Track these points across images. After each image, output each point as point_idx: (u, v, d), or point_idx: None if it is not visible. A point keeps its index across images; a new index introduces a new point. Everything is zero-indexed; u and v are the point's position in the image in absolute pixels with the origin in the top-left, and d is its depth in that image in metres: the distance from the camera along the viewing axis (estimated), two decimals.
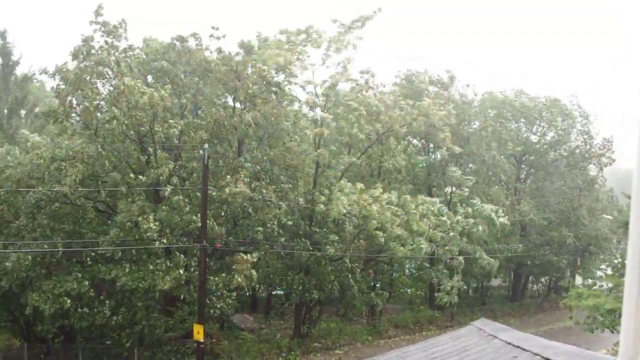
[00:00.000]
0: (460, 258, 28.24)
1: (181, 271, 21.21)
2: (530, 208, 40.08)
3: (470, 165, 40.27)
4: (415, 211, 25.18)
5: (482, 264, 29.49)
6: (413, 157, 35.27)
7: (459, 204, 30.39)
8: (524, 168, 45.33)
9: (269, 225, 24.25)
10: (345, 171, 29.65)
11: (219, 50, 25.47)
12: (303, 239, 27.18)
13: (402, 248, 25.27)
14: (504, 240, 38.26)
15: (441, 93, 34.83)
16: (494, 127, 38.63)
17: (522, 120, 42.50)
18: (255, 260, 22.59)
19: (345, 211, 24.43)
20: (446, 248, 27.48)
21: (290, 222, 27.09)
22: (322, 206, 24.69)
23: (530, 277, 47.60)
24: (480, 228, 27.55)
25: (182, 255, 21.95)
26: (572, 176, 42.63)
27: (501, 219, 28.32)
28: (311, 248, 26.94)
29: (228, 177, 23.33)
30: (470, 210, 28.79)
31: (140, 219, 20.67)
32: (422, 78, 36.22)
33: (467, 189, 31.85)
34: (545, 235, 40.77)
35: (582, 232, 41.41)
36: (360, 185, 25.43)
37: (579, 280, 40.73)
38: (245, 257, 22.32)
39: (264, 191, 24.05)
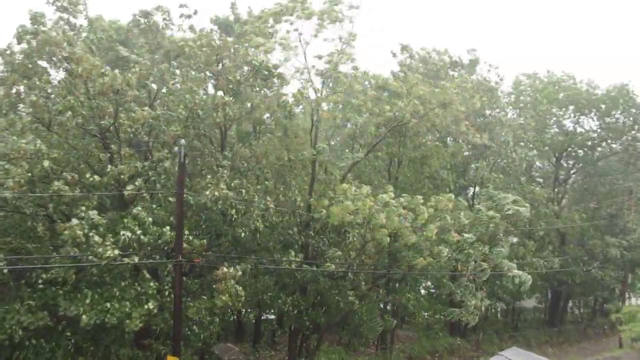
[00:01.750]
0: (485, 265, 28.58)
1: (150, 305, 21.46)
2: (573, 213, 41.06)
3: (499, 160, 41.26)
4: (425, 212, 25.93)
5: (512, 280, 29.96)
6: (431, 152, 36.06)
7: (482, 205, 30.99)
8: (566, 165, 46.31)
9: (253, 225, 24.86)
10: (349, 171, 30.40)
11: (192, 28, 26.11)
12: (298, 251, 27.85)
13: (421, 259, 26.07)
14: (537, 253, 38.99)
15: (465, 77, 35.68)
16: (533, 115, 39.46)
17: (571, 107, 43.21)
18: (239, 273, 23.07)
19: (348, 219, 25.17)
20: (465, 252, 28.13)
21: (279, 221, 27.84)
22: (323, 211, 25.28)
23: (571, 298, 48.54)
24: (498, 217, 27.97)
25: (153, 283, 22.36)
26: (627, 175, 43.57)
27: (522, 209, 28.98)
28: (307, 262, 27.67)
29: (209, 177, 23.94)
30: (490, 203, 29.58)
31: (95, 237, 20.87)
32: (442, 59, 36.98)
33: (491, 187, 32.53)
34: (586, 245, 41.59)
35: (634, 242, 42.09)
36: (366, 189, 26.09)
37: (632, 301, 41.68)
38: (227, 270, 22.81)
39: (244, 191, 24.80)
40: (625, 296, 43.37)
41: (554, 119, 44.29)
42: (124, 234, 20.98)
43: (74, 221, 20.44)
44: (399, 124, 30.42)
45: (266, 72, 25.76)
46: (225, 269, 22.94)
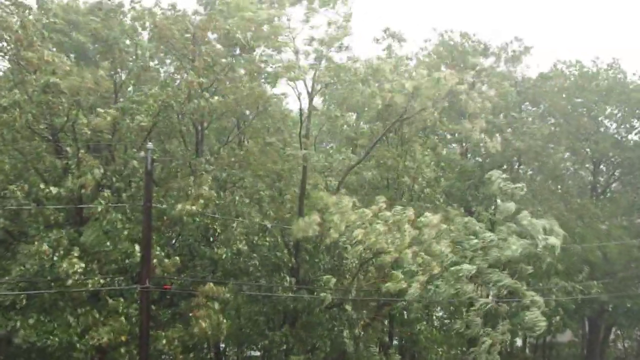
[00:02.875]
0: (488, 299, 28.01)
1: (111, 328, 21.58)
2: (615, 228, 40.84)
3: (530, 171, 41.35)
4: (406, 233, 25.83)
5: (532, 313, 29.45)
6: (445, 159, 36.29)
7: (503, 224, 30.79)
8: (605, 170, 46.17)
9: (234, 247, 24.92)
10: (342, 180, 30.50)
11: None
12: (287, 276, 27.88)
13: (389, 283, 25.67)
14: (571, 276, 38.88)
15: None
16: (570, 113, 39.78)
17: (615, 104, 43.45)
18: (226, 294, 23.25)
19: (340, 236, 25.38)
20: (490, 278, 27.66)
21: (266, 243, 27.84)
22: (315, 227, 25.23)
23: (614, 329, 48.37)
24: (515, 247, 27.51)
25: (120, 299, 22.59)
26: None
27: (551, 240, 28.56)
28: (300, 287, 27.75)
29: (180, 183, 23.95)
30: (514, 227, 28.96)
31: (59, 258, 20.99)
32: (471, 45, 37.34)
33: (513, 203, 32.37)
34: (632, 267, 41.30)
35: None
36: (350, 201, 26.08)
37: None
38: (211, 288, 23.01)
39: (227, 201, 24.93)
40: None
41: (596, 118, 44.04)
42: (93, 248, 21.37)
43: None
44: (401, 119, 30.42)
45: (244, 44, 25.95)
46: (208, 286, 23.07)
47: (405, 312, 32.63)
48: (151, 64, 26.82)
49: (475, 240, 27.46)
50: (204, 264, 25.74)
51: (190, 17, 26.35)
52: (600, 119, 44.76)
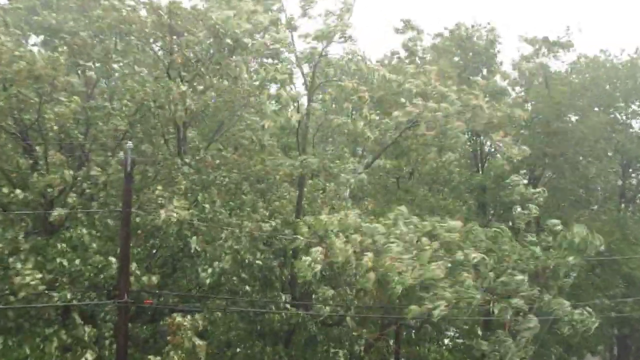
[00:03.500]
0: (531, 317, 27.59)
1: (89, 356, 21.38)
2: None
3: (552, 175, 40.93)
4: (428, 248, 25.12)
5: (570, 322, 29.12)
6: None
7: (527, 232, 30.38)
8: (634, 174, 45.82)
9: (220, 264, 24.64)
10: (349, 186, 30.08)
11: None
12: (280, 292, 27.65)
13: (414, 307, 24.92)
14: (604, 291, 38.55)
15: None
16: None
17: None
18: (199, 324, 22.87)
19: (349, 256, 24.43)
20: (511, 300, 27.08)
21: (258, 261, 27.22)
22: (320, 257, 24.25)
23: None
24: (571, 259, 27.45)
25: (88, 328, 22.21)
26: None
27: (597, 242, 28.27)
28: (295, 303, 27.43)
29: (159, 189, 23.83)
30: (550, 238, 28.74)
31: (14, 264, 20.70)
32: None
33: (535, 209, 32.11)
34: None
35: None
36: (351, 220, 25.40)
37: None
38: (181, 320, 22.59)
39: (207, 207, 24.61)
40: None
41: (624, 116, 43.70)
42: (60, 262, 21.10)
43: None
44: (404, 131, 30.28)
45: (230, 42, 25.58)
46: (179, 319, 22.62)
47: (413, 331, 32.55)
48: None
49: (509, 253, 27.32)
50: (189, 278, 25.58)
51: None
52: (621, 115, 44.53)
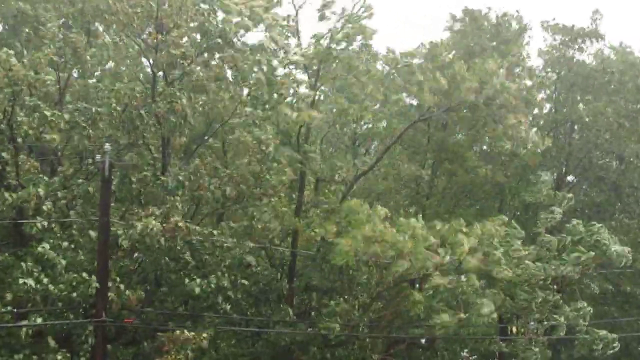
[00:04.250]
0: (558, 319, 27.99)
1: None
2: None
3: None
4: (465, 242, 25.16)
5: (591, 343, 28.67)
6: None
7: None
8: None
9: (214, 280, 24.25)
10: (351, 187, 30.02)
11: None
12: (280, 305, 27.12)
13: (444, 315, 25.23)
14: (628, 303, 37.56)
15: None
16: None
17: None
18: (204, 338, 22.62)
19: (372, 250, 24.21)
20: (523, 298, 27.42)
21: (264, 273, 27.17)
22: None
23: None
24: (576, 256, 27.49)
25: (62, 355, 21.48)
26: None
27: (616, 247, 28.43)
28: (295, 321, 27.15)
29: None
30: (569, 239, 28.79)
31: None
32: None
33: (559, 212, 31.08)
34: None
35: None
36: (383, 210, 25.37)
37: None
38: (182, 334, 22.18)
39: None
40: None
41: None
42: (24, 282, 20.27)
43: None
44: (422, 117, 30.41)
45: (219, 41, 25.31)
46: (178, 332, 22.33)
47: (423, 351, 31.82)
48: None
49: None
50: (176, 293, 24.97)
51: None
52: None
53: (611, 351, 29.45)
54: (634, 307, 38.81)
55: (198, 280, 23.90)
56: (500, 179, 34.27)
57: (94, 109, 23.64)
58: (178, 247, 24.02)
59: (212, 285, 24.08)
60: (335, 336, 26.55)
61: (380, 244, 24.01)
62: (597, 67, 40.30)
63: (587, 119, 38.32)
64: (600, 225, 29.09)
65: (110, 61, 27.11)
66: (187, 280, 24.13)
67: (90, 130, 23.07)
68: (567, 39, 39.57)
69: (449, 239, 25.12)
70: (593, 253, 27.93)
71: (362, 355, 27.49)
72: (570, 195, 32.61)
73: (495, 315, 26.13)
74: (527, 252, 27.40)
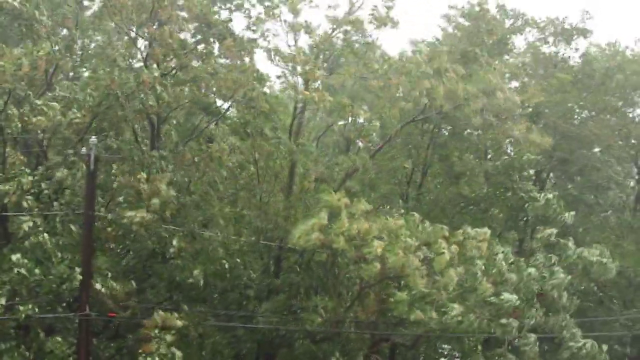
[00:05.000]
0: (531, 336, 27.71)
1: None
2: None
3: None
4: (446, 250, 25.02)
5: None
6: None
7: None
8: None
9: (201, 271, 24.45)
10: (344, 181, 29.62)
11: None
12: (265, 299, 27.21)
13: (417, 312, 24.85)
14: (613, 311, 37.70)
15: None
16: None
17: None
18: (178, 324, 22.62)
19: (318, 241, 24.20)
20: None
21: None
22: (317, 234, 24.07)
23: None
24: (562, 276, 27.65)
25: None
26: None
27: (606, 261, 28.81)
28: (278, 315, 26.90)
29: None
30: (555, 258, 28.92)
31: None
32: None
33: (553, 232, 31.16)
34: None
35: None
36: (363, 205, 25.18)
37: None
38: (162, 316, 22.41)
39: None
40: None
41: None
42: (17, 272, 20.58)
43: None
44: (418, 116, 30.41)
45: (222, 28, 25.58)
46: (160, 314, 22.54)
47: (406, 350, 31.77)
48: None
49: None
50: (159, 286, 25.19)
51: None
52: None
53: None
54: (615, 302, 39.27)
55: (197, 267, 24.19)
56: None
57: (69, 95, 23.65)
58: (166, 235, 24.06)
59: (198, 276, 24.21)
60: (319, 331, 26.78)
61: (350, 241, 24.06)
62: (582, 66, 40.77)
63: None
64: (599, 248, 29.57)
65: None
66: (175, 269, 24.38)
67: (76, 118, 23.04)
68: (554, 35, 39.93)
69: (433, 247, 25.11)
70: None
71: (347, 351, 27.71)
72: (572, 212, 32.47)
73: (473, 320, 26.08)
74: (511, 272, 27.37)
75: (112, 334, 24.37)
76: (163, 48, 24.99)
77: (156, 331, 22.17)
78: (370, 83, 29.66)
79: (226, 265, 25.99)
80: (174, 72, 25.57)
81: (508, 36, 37.71)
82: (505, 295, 26.21)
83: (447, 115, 30.53)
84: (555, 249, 29.79)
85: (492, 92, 29.05)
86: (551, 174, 42.24)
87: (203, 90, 26.52)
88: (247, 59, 26.88)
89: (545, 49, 40.26)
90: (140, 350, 22.25)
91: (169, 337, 22.19)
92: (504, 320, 26.47)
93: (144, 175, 23.52)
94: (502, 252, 27.65)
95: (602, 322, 36.04)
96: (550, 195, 32.34)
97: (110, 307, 22.70)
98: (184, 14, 25.87)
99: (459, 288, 25.57)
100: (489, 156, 37.36)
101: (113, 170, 24.21)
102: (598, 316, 35.76)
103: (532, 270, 27.44)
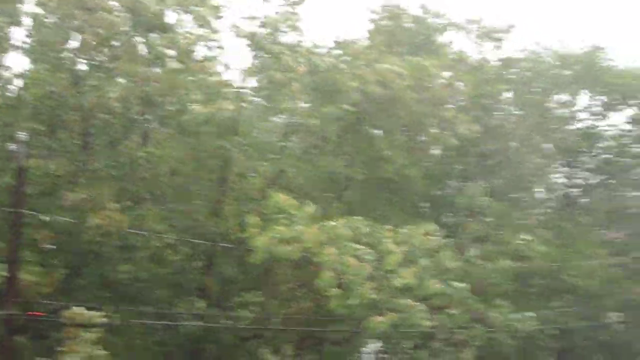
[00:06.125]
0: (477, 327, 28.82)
1: None
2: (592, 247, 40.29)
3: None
4: (396, 251, 25.58)
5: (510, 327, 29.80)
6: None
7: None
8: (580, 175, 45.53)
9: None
10: (270, 183, 29.94)
11: None
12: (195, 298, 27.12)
13: (379, 318, 25.29)
14: (542, 300, 38.46)
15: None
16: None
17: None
18: (99, 319, 22.46)
19: (282, 251, 24.60)
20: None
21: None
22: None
23: None
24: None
25: None
26: None
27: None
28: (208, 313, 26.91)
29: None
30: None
31: None
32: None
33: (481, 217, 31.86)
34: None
35: None
36: (310, 208, 25.77)
37: None
38: (84, 313, 22.23)
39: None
40: None
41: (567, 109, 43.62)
42: None
43: None
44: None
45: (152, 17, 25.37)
46: (81, 310, 22.32)
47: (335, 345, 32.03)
48: None
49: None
50: (89, 284, 25.22)
51: None
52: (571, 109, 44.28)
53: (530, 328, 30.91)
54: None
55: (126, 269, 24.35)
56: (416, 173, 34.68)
57: None
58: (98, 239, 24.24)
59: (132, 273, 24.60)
60: (248, 328, 27.08)
61: (298, 246, 24.40)
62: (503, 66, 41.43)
63: None
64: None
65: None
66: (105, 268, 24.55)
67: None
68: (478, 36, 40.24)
69: (378, 247, 25.47)
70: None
71: (274, 349, 28.02)
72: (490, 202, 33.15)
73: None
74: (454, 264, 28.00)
75: (36, 333, 24.22)
76: (95, 37, 24.87)
77: (79, 330, 22.11)
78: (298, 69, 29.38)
79: (156, 263, 26.32)
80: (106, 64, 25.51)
81: (431, 35, 38.26)
82: (456, 285, 27.25)
83: (380, 107, 30.58)
84: (491, 239, 30.88)
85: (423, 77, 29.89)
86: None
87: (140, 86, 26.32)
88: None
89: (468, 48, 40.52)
90: (63, 349, 22.20)
91: (93, 336, 22.14)
92: (452, 311, 27.39)
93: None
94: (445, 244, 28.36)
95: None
96: (476, 190, 33.29)
97: (33, 304, 22.66)
98: (114, 2, 25.74)
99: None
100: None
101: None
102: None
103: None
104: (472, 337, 29.10)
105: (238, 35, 28.78)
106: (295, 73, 28.46)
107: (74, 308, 22.23)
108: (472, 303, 28.53)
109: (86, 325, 22.10)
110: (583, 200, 45.43)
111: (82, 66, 26.44)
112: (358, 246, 24.95)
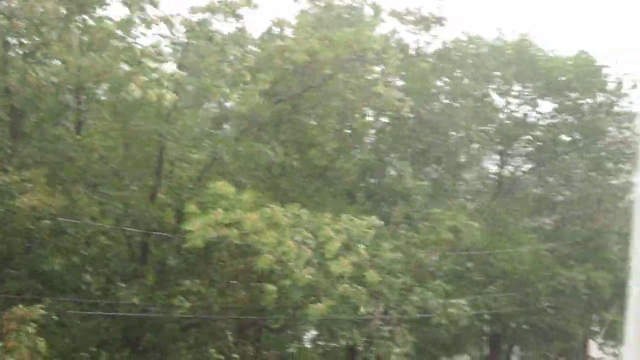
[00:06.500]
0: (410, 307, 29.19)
1: None
2: (523, 232, 41.23)
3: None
4: (335, 239, 25.24)
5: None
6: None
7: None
8: (513, 163, 46.54)
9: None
10: (205, 170, 29.59)
11: None
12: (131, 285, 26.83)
13: (319, 305, 25.25)
14: (477, 289, 39.07)
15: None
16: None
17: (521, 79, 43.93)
18: (38, 314, 21.97)
19: (222, 233, 24.06)
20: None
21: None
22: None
23: (518, 349, 49.38)
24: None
25: None
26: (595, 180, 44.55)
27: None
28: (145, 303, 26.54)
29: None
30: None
31: None
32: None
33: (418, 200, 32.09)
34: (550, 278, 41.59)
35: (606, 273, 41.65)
36: (249, 194, 25.36)
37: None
38: (23, 310, 21.80)
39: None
40: (587, 347, 43.65)
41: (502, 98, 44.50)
42: None
43: None
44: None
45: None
46: (20, 308, 21.91)
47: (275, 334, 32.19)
48: None
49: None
50: (20, 276, 24.70)
51: None
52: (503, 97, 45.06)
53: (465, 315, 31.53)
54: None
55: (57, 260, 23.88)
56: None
57: None
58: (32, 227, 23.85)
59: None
60: (187, 317, 26.76)
61: (237, 230, 24.04)
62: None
63: None
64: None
65: None
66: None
67: None
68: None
69: (318, 234, 25.29)
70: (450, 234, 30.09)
71: (214, 338, 27.88)
72: (425, 183, 33.44)
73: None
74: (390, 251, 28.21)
75: None
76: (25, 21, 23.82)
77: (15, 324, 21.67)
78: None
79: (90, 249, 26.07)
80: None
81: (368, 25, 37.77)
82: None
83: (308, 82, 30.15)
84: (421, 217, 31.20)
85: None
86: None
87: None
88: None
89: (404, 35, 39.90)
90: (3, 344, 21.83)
91: (30, 329, 21.66)
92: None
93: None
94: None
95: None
96: (405, 169, 33.56)
97: None
98: None
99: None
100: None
101: None
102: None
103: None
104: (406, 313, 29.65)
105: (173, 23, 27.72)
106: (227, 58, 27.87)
107: (14, 308, 21.84)
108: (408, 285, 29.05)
109: (25, 320, 21.62)
110: (515, 187, 46.35)
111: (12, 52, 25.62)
112: (299, 229, 24.78)
